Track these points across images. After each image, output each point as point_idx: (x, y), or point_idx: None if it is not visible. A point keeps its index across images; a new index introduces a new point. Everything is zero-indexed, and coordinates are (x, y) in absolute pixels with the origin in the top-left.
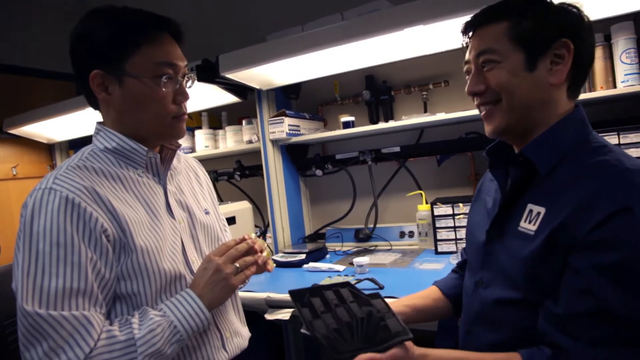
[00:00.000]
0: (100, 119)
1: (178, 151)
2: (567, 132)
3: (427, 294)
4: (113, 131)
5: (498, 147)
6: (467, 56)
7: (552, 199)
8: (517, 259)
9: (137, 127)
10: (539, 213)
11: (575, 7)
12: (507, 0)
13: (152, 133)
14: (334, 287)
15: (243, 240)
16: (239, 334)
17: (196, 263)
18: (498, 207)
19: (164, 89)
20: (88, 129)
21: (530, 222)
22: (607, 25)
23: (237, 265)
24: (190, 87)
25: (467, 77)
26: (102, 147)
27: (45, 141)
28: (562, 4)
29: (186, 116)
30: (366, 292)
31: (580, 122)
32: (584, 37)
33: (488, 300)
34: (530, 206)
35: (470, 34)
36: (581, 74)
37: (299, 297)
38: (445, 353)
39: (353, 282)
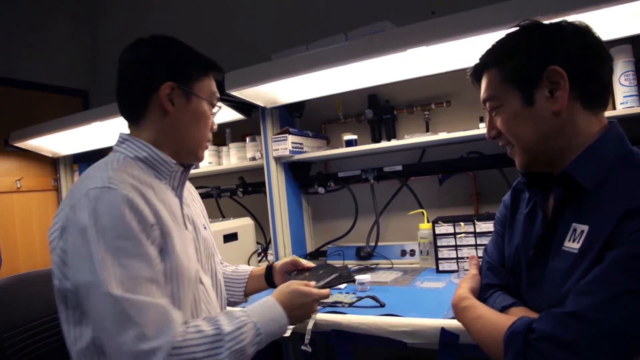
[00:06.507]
0: (104, 133)
1: None
2: (607, 149)
3: None
4: (143, 142)
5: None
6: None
7: (596, 216)
8: (561, 275)
9: (182, 142)
10: (582, 231)
11: (563, 24)
12: (492, 48)
13: (190, 150)
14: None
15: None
16: None
17: (200, 272)
18: (542, 229)
19: (212, 114)
20: (93, 144)
21: (574, 241)
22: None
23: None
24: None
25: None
26: (132, 156)
27: (50, 155)
28: (547, 29)
29: None
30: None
31: (618, 138)
32: (578, 56)
33: None
34: (574, 225)
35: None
36: (591, 87)
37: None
38: None
39: (354, 299)
